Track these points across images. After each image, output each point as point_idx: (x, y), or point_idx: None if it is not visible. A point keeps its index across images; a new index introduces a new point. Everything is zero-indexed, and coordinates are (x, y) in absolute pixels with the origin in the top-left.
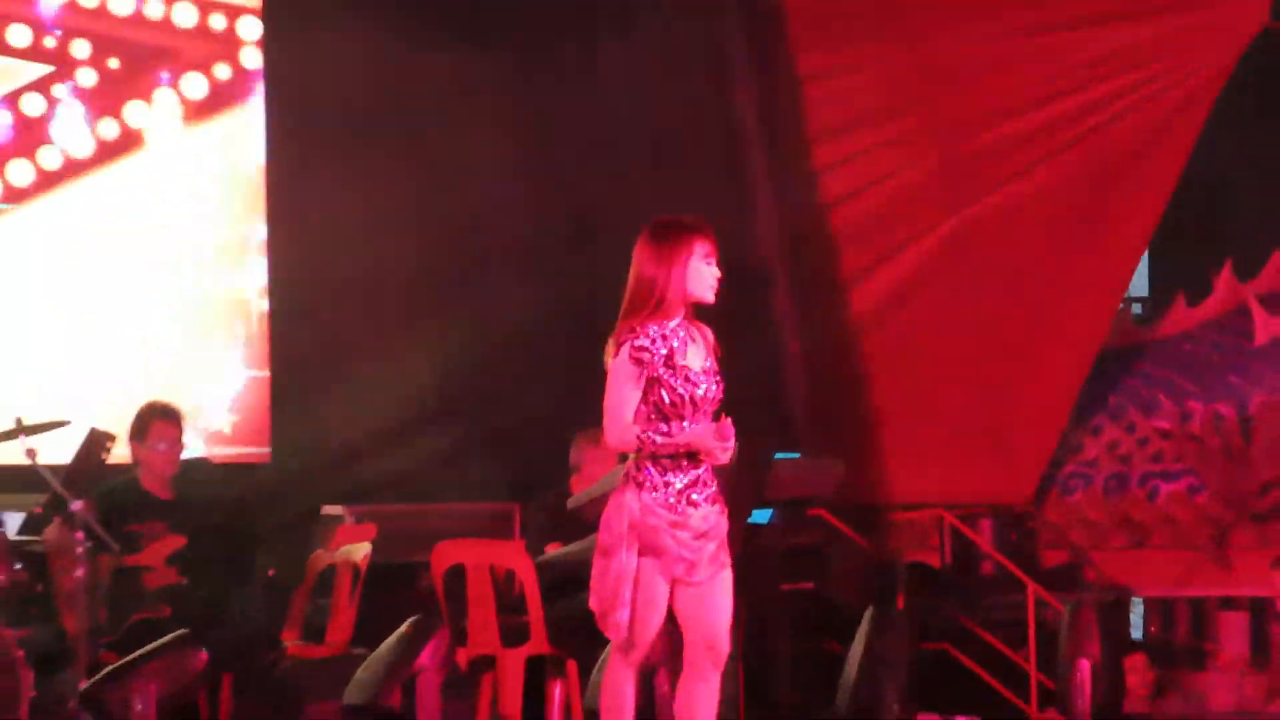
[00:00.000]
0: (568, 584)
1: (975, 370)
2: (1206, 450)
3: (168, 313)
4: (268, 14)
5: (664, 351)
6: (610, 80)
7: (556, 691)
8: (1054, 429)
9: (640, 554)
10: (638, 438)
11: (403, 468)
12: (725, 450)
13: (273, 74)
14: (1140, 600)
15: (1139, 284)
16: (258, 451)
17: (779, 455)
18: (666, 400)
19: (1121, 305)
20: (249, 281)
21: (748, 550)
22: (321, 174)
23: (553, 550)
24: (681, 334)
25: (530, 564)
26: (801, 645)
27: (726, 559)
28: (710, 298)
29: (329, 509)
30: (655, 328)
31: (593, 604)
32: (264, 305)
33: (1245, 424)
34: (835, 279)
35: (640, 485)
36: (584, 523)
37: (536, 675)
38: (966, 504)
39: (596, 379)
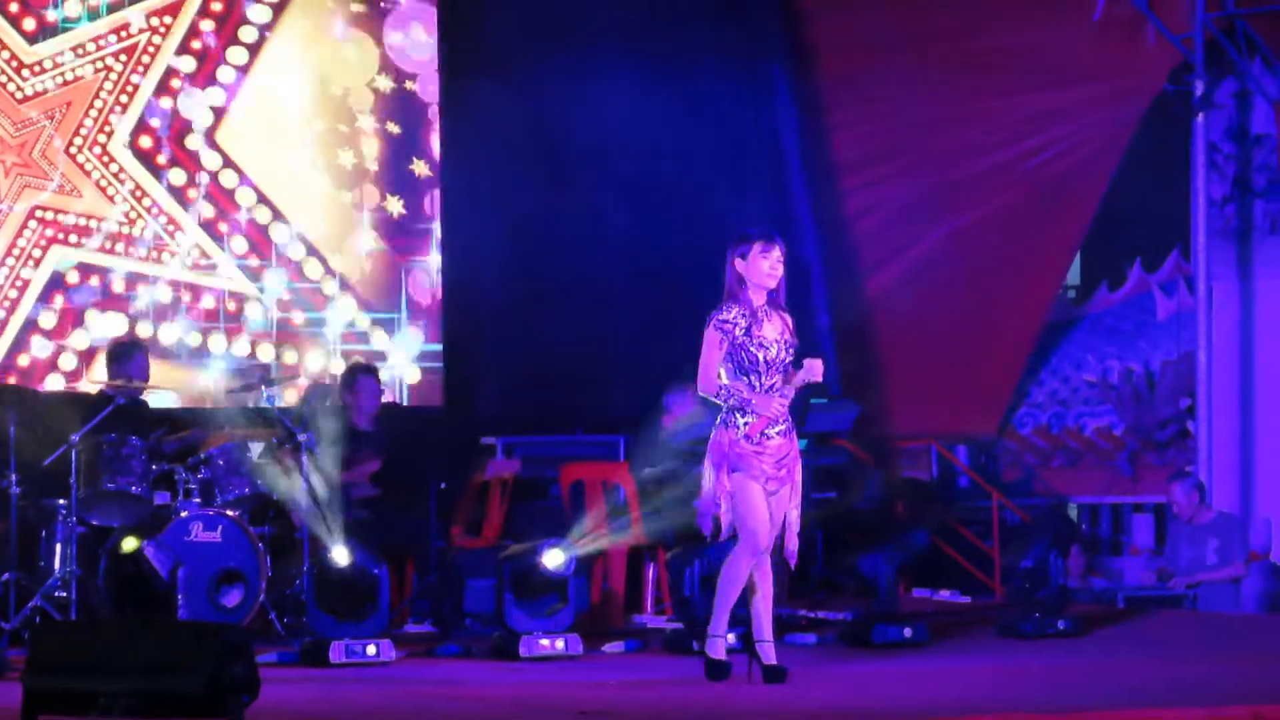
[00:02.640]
0: (659, 494)
1: (954, 338)
2: (1122, 396)
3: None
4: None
5: (745, 325)
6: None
7: (650, 572)
8: (1011, 381)
9: (733, 472)
10: (719, 388)
11: (539, 410)
12: (771, 409)
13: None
14: (1074, 504)
15: (1073, 275)
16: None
17: (813, 400)
18: (745, 360)
19: (1060, 291)
20: (428, 277)
21: None
22: (481, 189)
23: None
24: (759, 314)
25: (631, 480)
26: (828, 536)
27: (790, 480)
28: (768, 284)
29: (485, 439)
30: (737, 309)
31: (699, 504)
32: (439, 293)
33: (1150, 376)
34: (857, 271)
35: (726, 426)
36: (671, 450)
37: (635, 560)
38: (948, 435)
39: (680, 350)
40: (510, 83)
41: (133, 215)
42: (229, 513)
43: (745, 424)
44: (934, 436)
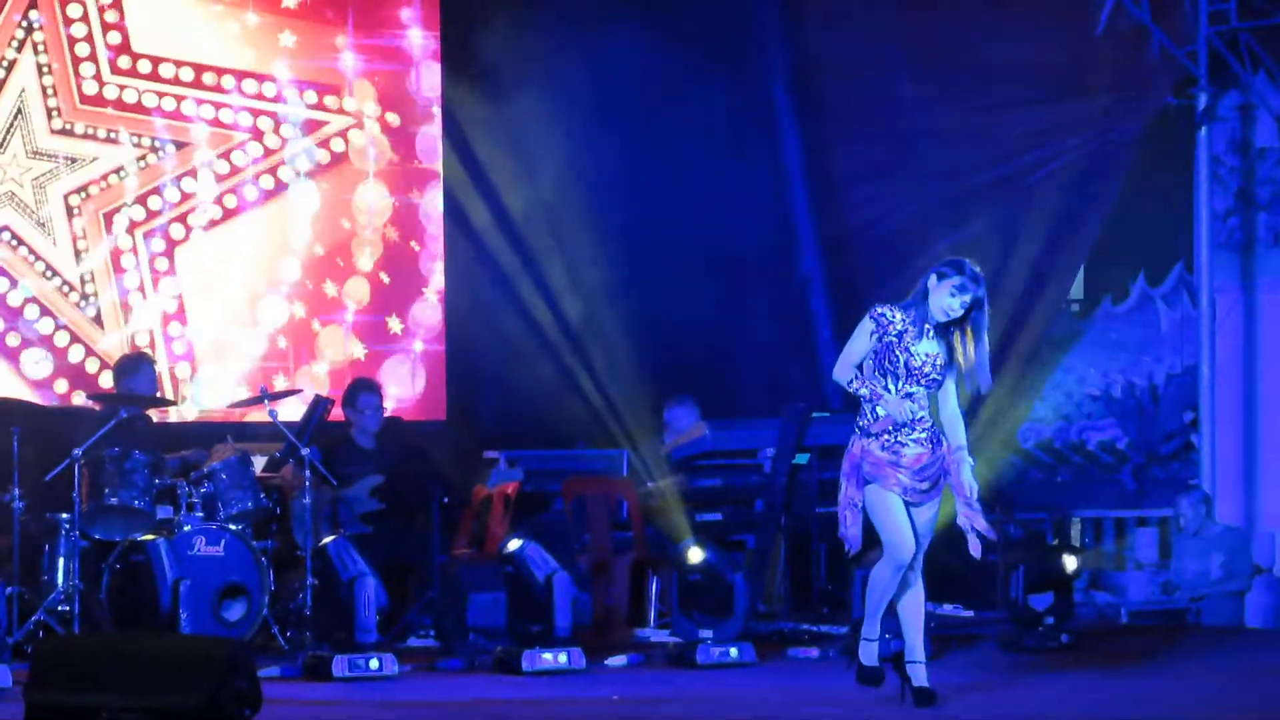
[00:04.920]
0: (660, 509)
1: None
2: (1125, 409)
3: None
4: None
5: (900, 329)
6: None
7: (652, 587)
8: (1013, 396)
9: (868, 483)
10: (854, 376)
11: (541, 425)
12: (902, 411)
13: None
14: (1079, 518)
15: (1076, 288)
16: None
17: (815, 414)
18: (888, 361)
19: (1064, 305)
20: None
21: (792, 481)
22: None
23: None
24: (923, 325)
25: (634, 495)
26: (831, 548)
27: (937, 494)
28: (939, 318)
29: (488, 454)
30: (902, 314)
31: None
32: (441, 315)
33: (1153, 390)
34: (860, 286)
35: (862, 434)
36: (672, 465)
37: (637, 574)
38: None
39: (680, 366)
40: (510, 104)
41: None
42: (232, 527)
43: (897, 426)
44: None
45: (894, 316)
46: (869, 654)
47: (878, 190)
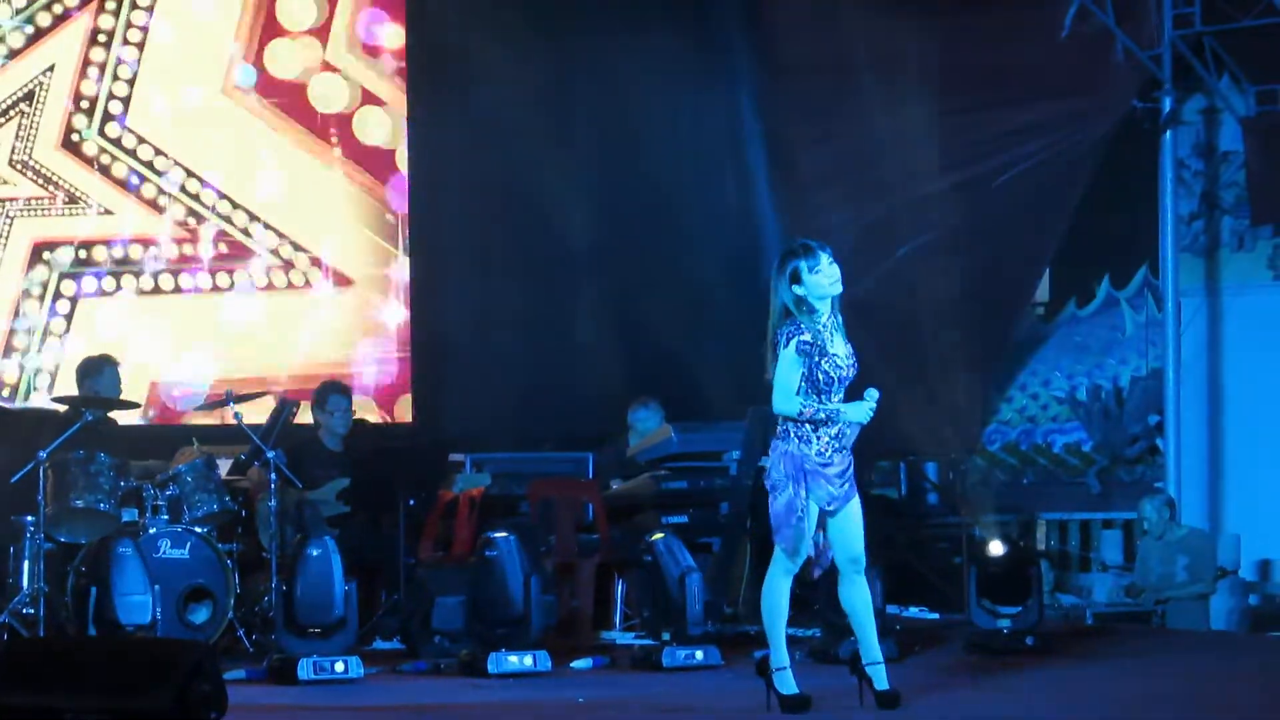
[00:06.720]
0: (625, 511)
1: (924, 357)
2: (1090, 412)
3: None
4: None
5: (820, 343)
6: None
7: (617, 589)
8: (979, 398)
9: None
10: (801, 407)
11: (507, 427)
12: (864, 413)
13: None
14: (1043, 520)
15: (1041, 291)
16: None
17: None
18: (821, 379)
19: (1028, 307)
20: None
21: (756, 485)
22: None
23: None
24: (830, 329)
25: (599, 497)
26: None
27: (854, 492)
28: (835, 292)
29: (454, 456)
30: (806, 328)
31: (773, 523)
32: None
33: (1118, 393)
34: None
35: (801, 439)
36: (637, 467)
37: (603, 576)
38: (918, 453)
39: (644, 367)
40: (476, 103)
41: None
42: (197, 530)
43: (834, 434)
44: (903, 453)
45: (811, 338)
46: (786, 683)
47: (843, 193)
